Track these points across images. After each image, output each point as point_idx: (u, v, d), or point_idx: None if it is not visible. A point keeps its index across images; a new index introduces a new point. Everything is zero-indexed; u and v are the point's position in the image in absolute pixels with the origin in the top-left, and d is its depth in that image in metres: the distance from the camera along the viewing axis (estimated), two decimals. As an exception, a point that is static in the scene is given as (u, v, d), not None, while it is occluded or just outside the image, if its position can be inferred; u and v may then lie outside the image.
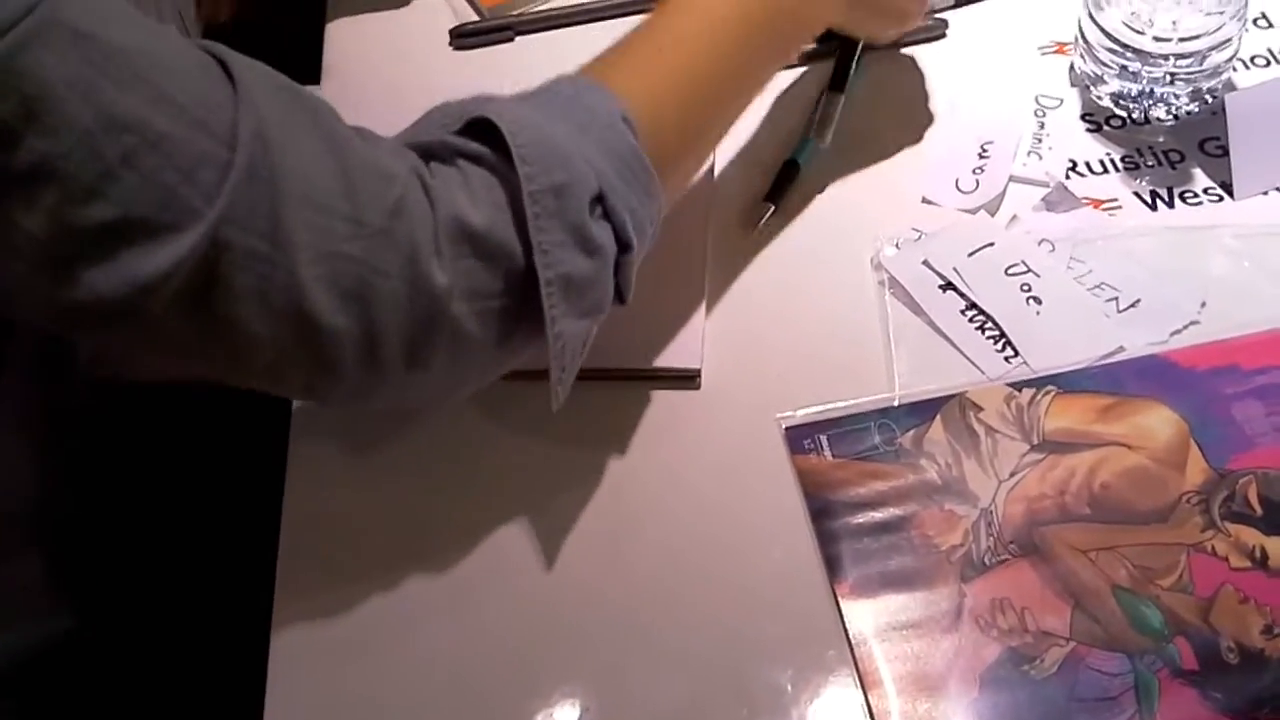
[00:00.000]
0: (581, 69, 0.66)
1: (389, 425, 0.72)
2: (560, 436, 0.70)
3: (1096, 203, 0.79)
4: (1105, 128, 0.83)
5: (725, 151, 0.82)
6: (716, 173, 0.82)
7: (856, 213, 0.80)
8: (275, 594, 0.66)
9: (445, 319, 0.57)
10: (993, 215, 0.79)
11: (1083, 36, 0.83)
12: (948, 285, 0.74)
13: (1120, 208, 0.79)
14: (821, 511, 0.66)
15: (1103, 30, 0.81)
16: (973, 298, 0.73)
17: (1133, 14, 0.80)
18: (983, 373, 0.71)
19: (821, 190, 0.82)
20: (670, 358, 0.73)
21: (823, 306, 0.76)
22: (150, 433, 0.82)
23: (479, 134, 0.59)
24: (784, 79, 0.87)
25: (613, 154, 0.61)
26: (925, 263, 0.75)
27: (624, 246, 0.61)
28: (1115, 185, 0.80)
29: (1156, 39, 0.80)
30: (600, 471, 0.70)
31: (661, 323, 0.74)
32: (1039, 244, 0.76)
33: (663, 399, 0.72)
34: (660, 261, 0.69)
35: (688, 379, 0.73)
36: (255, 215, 0.52)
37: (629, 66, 0.67)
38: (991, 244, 0.76)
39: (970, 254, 0.75)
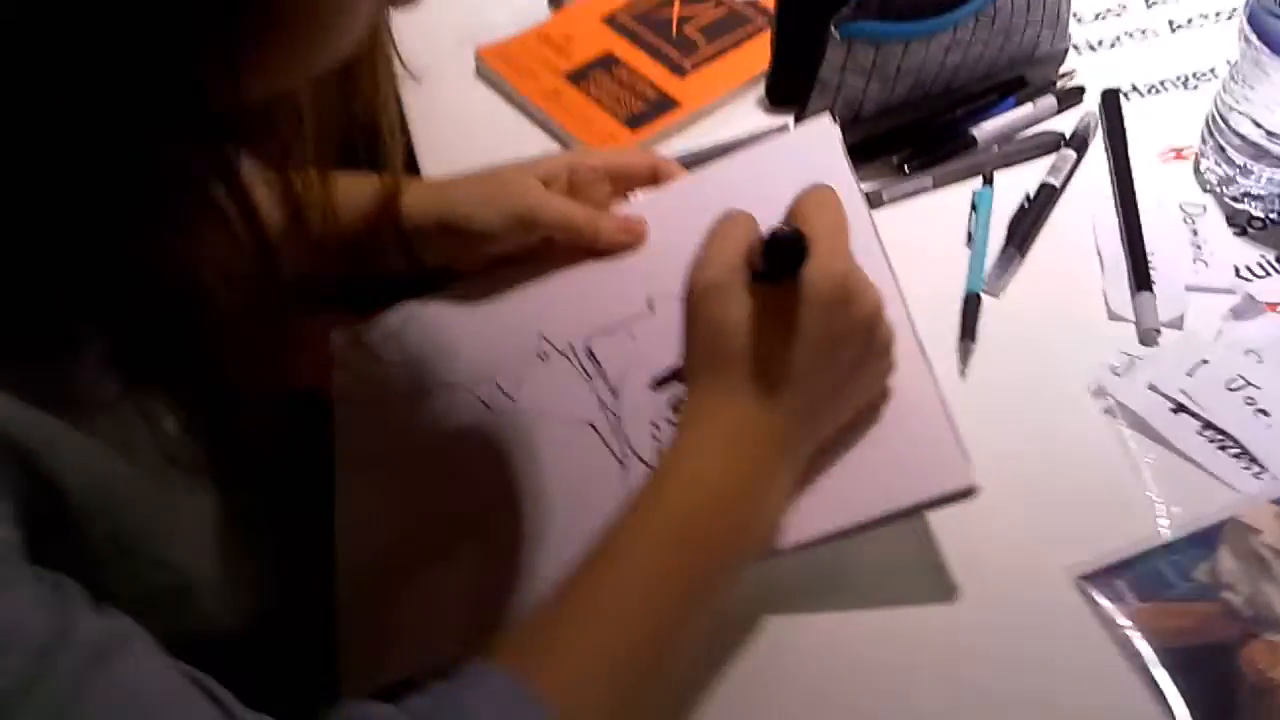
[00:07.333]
0: (500, 649, 0.58)
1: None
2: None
3: (1272, 306, 0.81)
4: (1249, 230, 0.86)
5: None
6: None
7: (1050, 334, 0.81)
8: None
9: None
10: (1180, 329, 0.80)
11: (1213, 138, 0.86)
12: (1179, 408, 0.75)
13: (1296, 308, 0.81)
14: (1146, 658, 0.66)
15: (1234, 132, 0.84)
16: (1207, 417, 0.74)
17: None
18: (1238, 492, 0.72)
19: (1008, 312, 0.82)
20: (941, 483, 0.66)
21: (1056, 439, 0.75)
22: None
23: None
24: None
25: None
26: (1152, 387, 0.76)
27: None
28: (1281, 287, 0.82)
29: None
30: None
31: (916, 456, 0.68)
32: (1245, 354, 0.77)
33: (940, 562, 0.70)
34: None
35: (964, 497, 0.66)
36: None
37: (553, 658, 0.58)
38: (1206, 361, 0.77)
39: (1188, 373, 0.76)
